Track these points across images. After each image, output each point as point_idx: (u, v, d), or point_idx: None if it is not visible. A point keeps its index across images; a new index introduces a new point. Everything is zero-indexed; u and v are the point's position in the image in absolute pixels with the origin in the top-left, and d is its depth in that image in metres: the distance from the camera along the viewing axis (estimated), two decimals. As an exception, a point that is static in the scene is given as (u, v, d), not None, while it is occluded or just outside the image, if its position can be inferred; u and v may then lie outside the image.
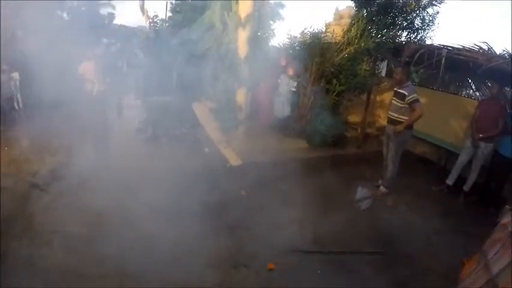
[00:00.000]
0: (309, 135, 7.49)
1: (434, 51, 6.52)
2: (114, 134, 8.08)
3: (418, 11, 7.65)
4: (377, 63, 8.26)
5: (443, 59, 6.41)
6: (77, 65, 8.32)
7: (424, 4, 7.63)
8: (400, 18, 7.68)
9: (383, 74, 8.12)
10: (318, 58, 7.49)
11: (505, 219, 2.24)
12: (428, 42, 7.50)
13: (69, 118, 8.91)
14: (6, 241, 3.45)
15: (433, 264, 3.73)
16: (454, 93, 8.10)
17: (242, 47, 7.22)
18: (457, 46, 6.52)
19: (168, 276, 3.20)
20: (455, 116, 7.15)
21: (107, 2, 17.89)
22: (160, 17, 15.20)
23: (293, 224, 4.42)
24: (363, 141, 8.06)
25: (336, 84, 7.57)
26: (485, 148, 5.72)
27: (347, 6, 9.97)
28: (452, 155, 6.74)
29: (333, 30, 8.16)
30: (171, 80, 14.00)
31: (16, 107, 10.23)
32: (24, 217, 4.00)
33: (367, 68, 7.96)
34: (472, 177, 5.94)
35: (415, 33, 7.72)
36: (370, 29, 7.53)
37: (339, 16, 10.39)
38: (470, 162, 6.00)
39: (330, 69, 7.58)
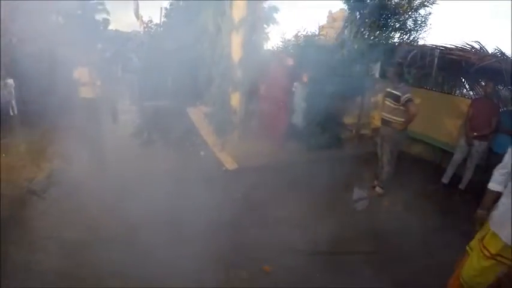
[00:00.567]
0: (304, 139, 7.50)
1: (427, 51, 6.57)
2: (110, 139, 8.07)
3: (410, 13, 7.71)
4: (370, 64, 8.29)
5: (436, 59, 6.47)
6: (72, 70, 8.24)
7: (416, 6, 7.68)
8: (393, 20, 7.74)
9: (377, 75, 8.18)
10: (311, 60, 7.51)
11: None
12: (421, 42, 7.61)
13: (64, 124, 8.93)
14: (4, 246, 3.47)
15: (430, 263, 3.75)
16: (448, 93, 8.15)
17: (236, 50, 7.23)
18: (449, 46, 6.58)
19: (164, 278, 3.21)
20: (449, 116, 7.18)
21: (102, 7, 17.93)
22: (155, 22, 15.26)
23: (289, 226, 4.44)
24: (358, 143, 8.09)
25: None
26: (480, 146, 5.77)
27: (340, 9, 10.02)
28: (447, 154, 6.78)
29: (326, 32, 8.19)
30: (166, 84, 14.03)
31: (11, 113, 10.23)
32: (21, 223, 4.02)
33: (361, 70, 8.01)
34: (467, 176, 5.99)
35: (408, 34, 7.80)
36: (363, 31, 7.59)
37: (332, 19, 10.45)
38: (465, 160, 6.05)
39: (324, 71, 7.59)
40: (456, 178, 6.16)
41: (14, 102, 10.34)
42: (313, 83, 7.52)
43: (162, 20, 14.99)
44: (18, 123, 9.80)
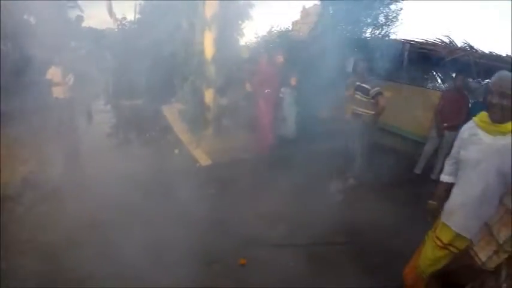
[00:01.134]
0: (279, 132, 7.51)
1: (398, 46, 6.67)
2: (85, 140, 7.98)
3: (381, 8, 7.81)
4: (344, 59, 8.36)
5: (407, 52, 6.58)
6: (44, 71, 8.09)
7: (387, 1, 7.79)
8: (365, 15, 7.82)
9: (349, 70, 8.25)
10: (284, 55, 7.52)
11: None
12: (392, 37, 7.72)
13: (38, 126, 8.76)
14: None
15: (403, 250, 3.81)
16: (420, 86, 8.29)
17: (209, 47, 7.21)
18: (420, 40, 6.70)
19: (140, 276, 3.23)
20: (421, 108, 7.31)
21: (73, 4, 17.60)
22: (129, 19, 15.04)
23: (263, 219, 4.47)
24: (332, 136, 8.13)
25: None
26: (450, 137, 5.89)
27: (314, 4, 10.06)
28: (420, 146, 6.91)
29: (299, 28, 8.22)
30: (141, 82, 13.87)
31: (-20, 116, 9.93)
32: None
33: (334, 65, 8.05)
34: (438, 166, 6.11)
35: (380, 29, 7.90)
36: (335, 26, 7.66)
37: (305, 14, 10.48)
38: (437, 151, 6.18)
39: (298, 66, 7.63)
40: (428, 168, 6.29)
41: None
42: (302, 86, 7.25)
43: (136, 16, 14.79)
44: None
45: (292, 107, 7.05)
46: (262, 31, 8.93)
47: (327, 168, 6.11)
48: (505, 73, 2.06)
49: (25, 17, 15.61)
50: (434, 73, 8.58)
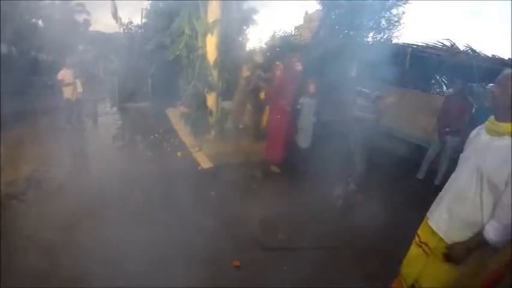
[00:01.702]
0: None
1: (400, 50, 6.66)
2: (91, 141, 8.14)
3: (383, 12, 7.80)
4: (346, 64, 8.36)
5: (408, 56, 6.56)
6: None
7: (389, 5, 7.78)
8: (367, 19, 7.82)
9: (352, 74, 8.25)
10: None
11: None
12: (395, 41, 7.71)
13: (45, 126, 8.92)
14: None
15: (403, 256, 3.81)
16: (423, 91, 8.26)
17: (211, 51, 7.29)
18: (421, 44, 6.68)
19: (136, 277, 3.26)
20: (424, 113, 7.28)
21: (81, 8, 17.85)
22: (135, 23, 15.20)
23: (260, 222, 4.52)
24: (334, 140, 8.13)
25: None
26: (452, 142, 5.86)
27: (316, 10, 10.10)
28: (423, 150, 6.87)
29: (301, 33, 8.25)
30: (147, 86, 14.02)
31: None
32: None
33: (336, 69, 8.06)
34: (441, 171, 6.08)
35: (382, 33, 7.90)
36: (337, 30, 7.68)
37: (308, 19, 10.52)
38: (440, 156, 6.15)
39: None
40: (432, 173, 6.25)
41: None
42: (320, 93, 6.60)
43: (143, 21, 14.93)
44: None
45: (309, 117, 6.44)
46: (265, 36, 8.98)
47: (329, 172, 6.10)
48: None
49: (34, 20, 15.94)
50: (438, 77, 8.54)
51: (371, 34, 7.85)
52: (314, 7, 12.45)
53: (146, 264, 3.44)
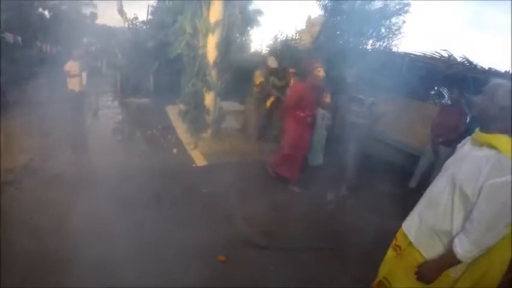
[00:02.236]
0: (277, 138, 7.56)
1: (398, 58, 6.74)
2: (91, 133, 8.26)
3: (383, 20, 7.86)
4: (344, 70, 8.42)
5: (406, 65, 6.63)
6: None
7: (389, 14, 7.84)
8: (367, 27, 7.88)
9: (349, 80, 8.31)
10: (286, 63, 7.62)
11: None
12: (394, 49, 7.78)
13: (47, 116, 9.02)
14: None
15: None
16: (419, 100, 8.30)
17: (211, 51, 7.41)
18: (419, 53, 6.75)
19: (123, 266, 3.34)
20: (419, 122, 7.33)
21: (88, 2, 17.96)
22: (141, 19, 15.29)
23: (250, 221, 4.58)
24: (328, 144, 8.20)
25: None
26: (445, 152, 5.90)
27: (319, 15, 10.16)
28: (416, 159, 6.92)
29: (301, 37, 8.32)
30: (149, 82, 14.10)
31: (-10, 105, 10.21)
32: None
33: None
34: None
35: (381, 41, 7.96)
36: (338, 36, 7.74)
37: (310, 24, 10.59)
38: (433, 166, 6.19)
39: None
40: (425, 183, 6.29)
41: (-8, 94, 10.34)
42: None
43: (148, 18, 15.02)
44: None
45: (322, 130, 6.00)
46: (267, 38, 9.08)
47: (322, 177, 6.16)
48: (503, 82, 1.95)
49: (40, 10, 16.04)
50: (436, 88, 8.59)
51: (370, 42, 7.94)
52: (317, 12, 12.55)
53: (131, 255, 3.54)
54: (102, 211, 4.32)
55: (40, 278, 3.13)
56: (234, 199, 5.16)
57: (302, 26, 11.88)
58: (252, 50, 13.08)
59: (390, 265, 2.38)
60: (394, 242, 2.43)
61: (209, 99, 7.59)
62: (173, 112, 9.94)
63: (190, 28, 7.55)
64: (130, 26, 14.64)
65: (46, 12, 16.81)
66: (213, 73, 7.46)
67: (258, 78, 7.39)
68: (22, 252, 3.42)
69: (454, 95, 6.30)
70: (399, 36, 7.90)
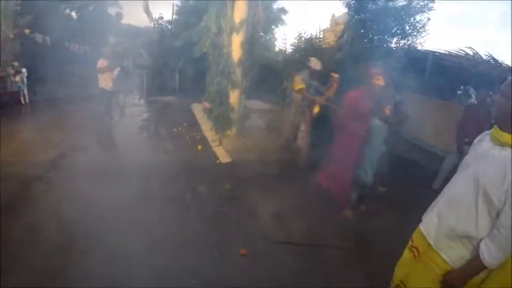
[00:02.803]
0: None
1: (422, 56, 6.67)
2: (117, 130, 8.56)
3: (407, 18, 7.78)
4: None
5: (430, 64, 6.56)
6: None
7: (413, 11, 7.76)
8: (392, 25, 7.82)
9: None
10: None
11: None
12: (419, 48, 7.70)
13: (75, 113, 9.33)
14: (8, 223, 3.84)
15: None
16: (445, 99, 8.19)
17: (236, 50, 7.52)
18: (443, 51, 6.67)
19: (146, 255, 3.49)
20: (446, 122, 7.24)
21: (113, 2, 18.34)
22: (166, 19, 15.56)
23: (271, 217, 4.64)
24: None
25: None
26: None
27: (343, 13, 10.15)
28: (441, 160, 6.83)
29: (324, 36, 8.32)
30: (174, 80, 14.37)
31: (22, 102, 10.62)
32: (23, 201, 4.42)
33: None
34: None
35: (406, 39, 7.87)
36: (362, 35, 7.72)
37: (335, 22, 10.60)
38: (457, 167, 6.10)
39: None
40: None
41: (25, 91, 10.73)
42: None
43: (174, 17, 15.28)
44: (29, 111, 10.19)
45: (379, 145, 4.96)
46: (290, 37, 9.14)
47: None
48: None
49: (68, 10, 16.49)
50: (463, 87, 8.46)
51: (395, 39, 7.87)
52: (341, 10, 12.55)
53: (157, 244, 3.70)
54: (128, 205, 4.49)
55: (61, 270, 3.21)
56: (256, 195, 5.25)
57: (326, 24, 11.94)
58: (277, 48, 13.28)
59: (407, 268, 2.26)
60: (410, 243, 2.29)
61: (234, 97, 7.70)
62: (198, 110, 10.13)
63: (215, 27, 7.69)
64: (156, 26, 14.93)
65: (73, 13, 17.26)
66: (238, 71, 7.55)
67: (298, 83, 6.13)
68: (47, 242, 3.55)
69: (479, 94, 6.19)
70: (423, 34, 7.82)
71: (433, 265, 2.02)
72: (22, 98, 10.58)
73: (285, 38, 9.38)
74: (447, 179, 5.14)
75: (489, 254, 1.76)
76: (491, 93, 6.31)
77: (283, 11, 11.71)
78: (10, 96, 10.32)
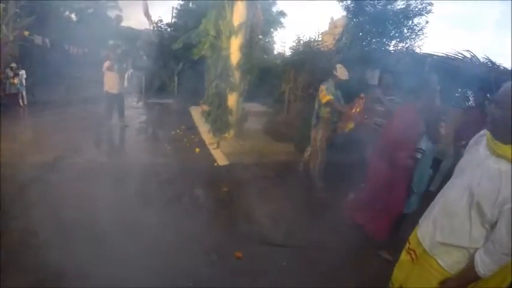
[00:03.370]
0: (297, 140, 7.62)
1: (419, 59, 6.67)
2: (116, 133, 8.57)
3: (405, 21, 7.81)
4: (367, 71, 8.38)
5: (427, 66, 6.56)
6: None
7: (411, 15, 7.79)
8: (390, 28, 7.85)
9: (373, 82, 8.23)
10: (309, 65, 7.66)
11: None
12: (417, 51, 7.72)
13: (74, 115, 9.32)
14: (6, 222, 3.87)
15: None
16: (444, 102, 8.19)
17: (235, 53, 7.55)
18: (441, 54, 6.67)
19: (141, 255, 3.49)
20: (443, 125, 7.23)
21: (113, 4, 18.40)
22: (165, 22, 15.60)
23: (266, 218, 4.64)
24: (351, 146, 8.16)
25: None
26: None
27: (342, 16, 10.17)
28: (438, 162, 6.83)
29: (323, 38, 8.34)
30: (173, 83, 14.39)
31: (21, 104, 10.62)
32: (22, 202, 4.42)
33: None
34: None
35: (404, 43, 7.91)
36: (361, 37, 7.75)
37: (333, 25, 10.62)
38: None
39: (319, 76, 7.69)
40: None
41: (24, 93, 10.74)
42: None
43: (173, 20, 15.31)
44: (28, 113, 10.20)
45: (427, 169, 3.98)
46: (289, 40, 9.17)
47: (339, 178, 6.16)
48: None
49: (67, 13, 16.52)
50: (460, 90, 8.45)
51: (393, 43, 7.91)
52: (340, 13, 12.61)
53: (154, 246, 3.70)
54: (126, 207, 4.49)
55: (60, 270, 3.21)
56: (253, 198, 5.25)
57: (325, 27, 11.96)
58: (275, 51, 13.28)
59: (406, 271, 2.26)
60: (407, 245, 2.29)
61: (232, 100, 7.71)
62: (196, 113, 10.14)
63: (214, 30, 7.70)
64: (155, 29, 14.96)
65: (73, 16, 17.30)
66: (236, 74, 7.57)
67: (325, 95, 5.26)
68: (46, 243, 3.54)
69: (477, 97, 6.20)
70: (422, 37, 7.85)
71: (429, 268, 2.02)
72: (20, 100, 10.59)
73: (283, 41, 9.38)
74: (444, 182, 5.11)
75: (484, 267, 1.77)
76: (488, 95, 6.33)
77: (282, 13, 11.73)
78: (9, 98, 10.33)
